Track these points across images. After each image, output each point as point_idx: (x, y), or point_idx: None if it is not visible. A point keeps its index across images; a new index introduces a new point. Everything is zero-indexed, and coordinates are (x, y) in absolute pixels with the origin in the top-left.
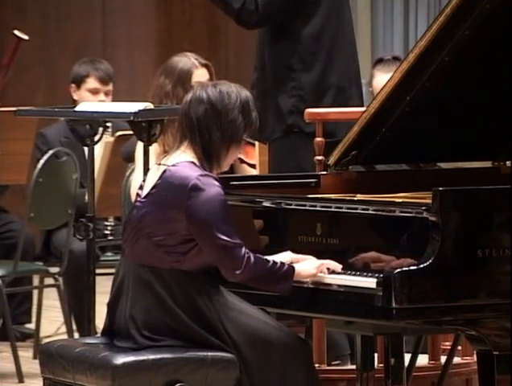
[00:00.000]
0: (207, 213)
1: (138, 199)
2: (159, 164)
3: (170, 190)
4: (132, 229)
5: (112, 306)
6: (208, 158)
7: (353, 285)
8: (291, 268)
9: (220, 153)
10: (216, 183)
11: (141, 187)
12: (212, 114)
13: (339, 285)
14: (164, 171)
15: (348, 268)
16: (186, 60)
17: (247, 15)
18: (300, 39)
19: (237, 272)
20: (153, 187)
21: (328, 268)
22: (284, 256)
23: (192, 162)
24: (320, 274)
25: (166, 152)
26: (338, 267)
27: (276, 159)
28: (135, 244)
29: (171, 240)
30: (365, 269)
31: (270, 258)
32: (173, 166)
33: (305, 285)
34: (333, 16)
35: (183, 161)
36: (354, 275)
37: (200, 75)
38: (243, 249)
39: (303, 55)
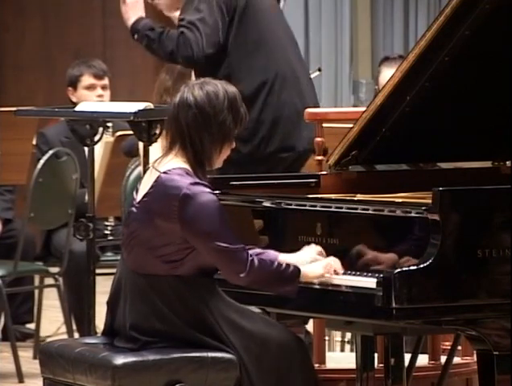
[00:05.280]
0: (202, 222)
1: (134, 202)
2: (154, 168)
3: (161, 201)
4: (128, 236)
5: (112, 304)
6: (199, 162)
7: (353, 285)
8: (297, 270)
9: (212, 155)
10: (207, 190)
11: (137, 190)
12: (201, 119)
13: (339, 285)
14: (156, 179)
15: (349, 268)
16: None
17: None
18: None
19: (242, 275)
20: (145, 195)
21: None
22: (304, 255)
23: (183, 169)
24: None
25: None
26: (340, 270)
27: None
28: (130, 252)
29: (166, 249)
30: (365, 269)
31: (288, 256)
32: (164, 173)
33: (305, 285)
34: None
35: (174, 168)
36: (354, 275)
37: None
38: (245, 252)
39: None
